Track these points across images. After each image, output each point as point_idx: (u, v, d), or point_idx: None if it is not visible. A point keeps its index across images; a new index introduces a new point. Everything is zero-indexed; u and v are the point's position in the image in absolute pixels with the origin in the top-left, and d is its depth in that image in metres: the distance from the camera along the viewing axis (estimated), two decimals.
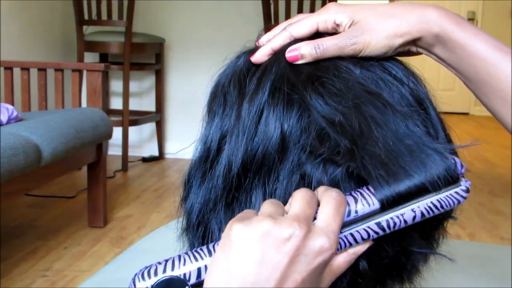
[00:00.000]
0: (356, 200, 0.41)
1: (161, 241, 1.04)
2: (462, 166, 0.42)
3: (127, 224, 2.34)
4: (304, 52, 0.48)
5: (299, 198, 0.41)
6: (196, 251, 0.42)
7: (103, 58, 3.51)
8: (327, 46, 0.48)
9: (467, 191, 0.42)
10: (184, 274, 0.41)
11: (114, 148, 3.44)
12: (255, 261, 0.38)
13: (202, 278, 0.41)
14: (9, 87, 2.43)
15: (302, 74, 0.47)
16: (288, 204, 0.42)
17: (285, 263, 0.38)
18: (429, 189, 0.40)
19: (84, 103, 2.39)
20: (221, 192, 0.47)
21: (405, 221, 0.41)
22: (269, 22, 3.05)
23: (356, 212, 0.40)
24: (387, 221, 0.40)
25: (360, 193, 0.41)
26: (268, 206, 0.41)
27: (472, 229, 2.41)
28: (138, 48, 3.27)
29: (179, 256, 0.42)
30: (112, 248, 2.09)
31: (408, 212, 0.40)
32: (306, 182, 0.44)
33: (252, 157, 0.46)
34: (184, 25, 3.57)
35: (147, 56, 3.54)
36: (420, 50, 0.51)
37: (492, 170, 3.57)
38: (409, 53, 0.52)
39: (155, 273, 0.41)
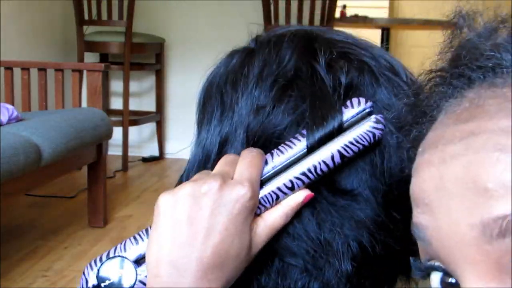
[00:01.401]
0: (272, 155, 0.44)
1: None
2: (366, 101, 0.44)
3: (127, 224, 2.34)
4: None
5: (220, 161, 0.44)
6: (137, 233, 0.45)
7: (103, 58, 3.51)
8: None
9: (378, 121, 0.44)
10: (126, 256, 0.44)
11: (114, 148, 3.44)
12: (181, 222, 0.40)
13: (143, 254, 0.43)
14: (9, 87, 2.43)
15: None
16: None
17: (207, 216, 0.40)
18: (335, 133, 0.43)
19: (84, 103, 2.39)
20: None
21: (325, 162, 0.43)
22: (269, 22, 3.05)
23: (274, 163, 0.43)
24: (308, 166, 0.43)
25: (278, 148, 0.44)
26: (195, 175, 0.44)
27: None
28: (138, 48, 3.27)
29: (121, 242, 0.44)
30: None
31: (325, 153, 0.43)
32: None
33: None
34: (184, 25, 3.57)
35: (147, 56, 3.54)
36: None
37: None
38: None
39: (100, 259, 0.43)
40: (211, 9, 3.52)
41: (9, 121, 1.89)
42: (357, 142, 0.43)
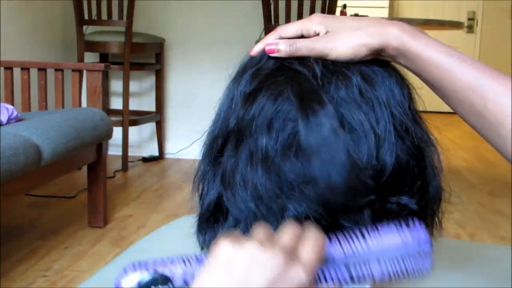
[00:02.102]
0: (331, 244, 0.46)
1: (161, 241, 1.04)
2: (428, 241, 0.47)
3: (127, 224, 2.34)
4: (281, 47, 0.57)
5: (289, 231, 0.45)
6: (186, 256, 0.45)
7: (103, 58, 3.51)
8: (300, 46, 0.57)
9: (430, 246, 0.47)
10: (170, 274, 0.45)
11: (114, 148, 3.44)
12: (237, 279, 0.41)
13: (183, 282, 0.44)
14: (9, 87, 2.43)
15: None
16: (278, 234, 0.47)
17: (264, 286, 0.41)
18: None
19: (84, 103, 2.39)
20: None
21: (372, 276, 0.45)
22: (269, 22, 3.05)
23: (330, 253, 0.46)
24: (356, 272, 0.45)
25: (345, 236, 0.47)
26: (260, 232, 0.45)
27: (472, 229, 2.41)
28: (138, 48, 3.27)
29: (168, 257, 0.45)
30: (112, 248, 2.09)
31: (376, 267, 0.45)
32: None
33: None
34: (184, 25, 3.57)
35: (147, 56, 3.54)
36: (387, 58, 0.59)
37: (492, 170, 3.57)
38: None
39: (146, 267, 0.45)
40: (211, 9, 3.52)
41: (9, 121, 1.89)
42: (406, 268, 0.46)
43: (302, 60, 0.56)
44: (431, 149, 0.57)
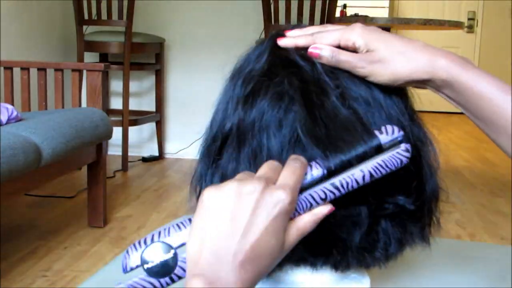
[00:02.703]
0: (311, 167, 0.49)
1: None
2: (399, 130, 0.50)
3: (127, 224, 2.34)
4: (324, 54, 0.55)
5: (265, 166, 0.48)
6: (180, 222, 0.48)
7: (103, 58, 3.51)
8: (342, 60, 0.55)
9: (407, 150, 0.49)
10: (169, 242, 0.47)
11: (114, 148, 3.44)
12: (224, 216, 0.44)
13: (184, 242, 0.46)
14: (9, 87, 2.43)
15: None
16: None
17: (248, 214, 0.44)
18: (370, 154, 0.49)
19: (84, 103, 2.39)
20: None
21: (356, 181, 0.48)
22: (269, 22, 3.05)
23: (312, 175, 0.48)
24: (340, 181, 0.48)
25: (317, 162, 0.49)
26: (240, 174, 0.48)
27: (472, 229, 2.41)
28: (138, 48, 3.27)
29: (165, 228, 0.47)
30: (112, 248, 2.08)
31: (357, 172, 0.48)
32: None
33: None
34: (184, 25, 3.57)
35: (147, 56, 3.54)
36: (429, 89, 0.57)
37: (492, 170, 3.57)
38: (417, 87, 0.58)
39: (145, 242, 0.46)
40: (211, 9, 3.52)
41: (9, 121, 1.89)
42: (386, 166, 0.49)
43: (304, 54, 0.56)
44: (428, 149, 0.57)
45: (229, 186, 0.45)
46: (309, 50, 0.55)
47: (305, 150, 0.51)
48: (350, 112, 0.52)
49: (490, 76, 0.54)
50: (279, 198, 0.44)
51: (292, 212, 0.46)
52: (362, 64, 0.54)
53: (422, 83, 0.56)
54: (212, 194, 0.45)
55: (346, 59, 0.55)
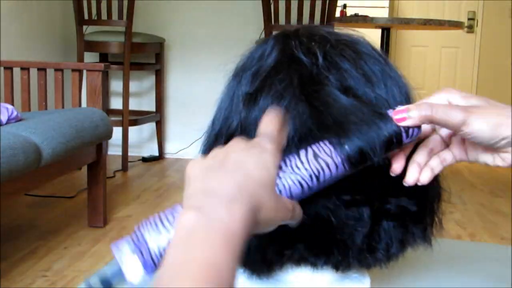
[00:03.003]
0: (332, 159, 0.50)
1: None
2: (414, 130, 0.51)
3: (127, 224, 2.34)
4: (413, 115, 0.50)
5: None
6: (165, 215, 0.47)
7: (103, 58, 3.51)
8: (439, 112, 0.50)
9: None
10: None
11: (114, 148, 3.44)
12: (212, 165, 0.45)
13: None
14: (9, 87, 2.43)
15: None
16: None
17: (236, 154, 0.45)
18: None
19: (84, 103, 2.39)
20: None
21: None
22: (269, 22, 3.05)
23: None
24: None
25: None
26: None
27: (472, 229, 2.41)
28: (138, 48, 3.26)
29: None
30: None
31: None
32: None
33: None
34: (184, 25, 3.57)
35: (147, 56, 3.54)
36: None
37: (492, 170, 3.57)
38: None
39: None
40: (211, 9, 3.52)
41: (9, 121, 1.89)
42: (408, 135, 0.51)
43: (309, 49, 0.56)
44: None
45: (214, 150, 0.47)
46: (394, 118, 0.51)
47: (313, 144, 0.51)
48: (352, 100, 0.52)
49: None
50: (264, 147, 0.46)
51: (278, 150, 0.47)
52: (462, 118, 0.50)
53: None
54: (195, 160, 0.47)
55: (443, 111, 0.51)
